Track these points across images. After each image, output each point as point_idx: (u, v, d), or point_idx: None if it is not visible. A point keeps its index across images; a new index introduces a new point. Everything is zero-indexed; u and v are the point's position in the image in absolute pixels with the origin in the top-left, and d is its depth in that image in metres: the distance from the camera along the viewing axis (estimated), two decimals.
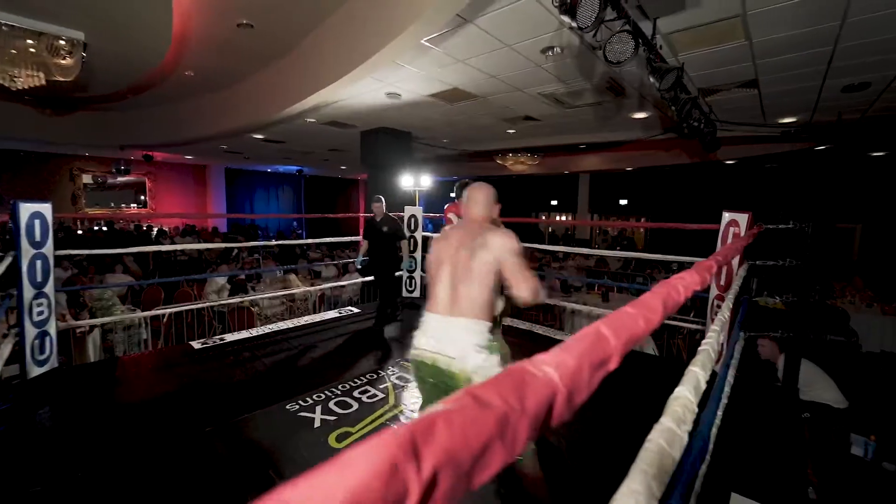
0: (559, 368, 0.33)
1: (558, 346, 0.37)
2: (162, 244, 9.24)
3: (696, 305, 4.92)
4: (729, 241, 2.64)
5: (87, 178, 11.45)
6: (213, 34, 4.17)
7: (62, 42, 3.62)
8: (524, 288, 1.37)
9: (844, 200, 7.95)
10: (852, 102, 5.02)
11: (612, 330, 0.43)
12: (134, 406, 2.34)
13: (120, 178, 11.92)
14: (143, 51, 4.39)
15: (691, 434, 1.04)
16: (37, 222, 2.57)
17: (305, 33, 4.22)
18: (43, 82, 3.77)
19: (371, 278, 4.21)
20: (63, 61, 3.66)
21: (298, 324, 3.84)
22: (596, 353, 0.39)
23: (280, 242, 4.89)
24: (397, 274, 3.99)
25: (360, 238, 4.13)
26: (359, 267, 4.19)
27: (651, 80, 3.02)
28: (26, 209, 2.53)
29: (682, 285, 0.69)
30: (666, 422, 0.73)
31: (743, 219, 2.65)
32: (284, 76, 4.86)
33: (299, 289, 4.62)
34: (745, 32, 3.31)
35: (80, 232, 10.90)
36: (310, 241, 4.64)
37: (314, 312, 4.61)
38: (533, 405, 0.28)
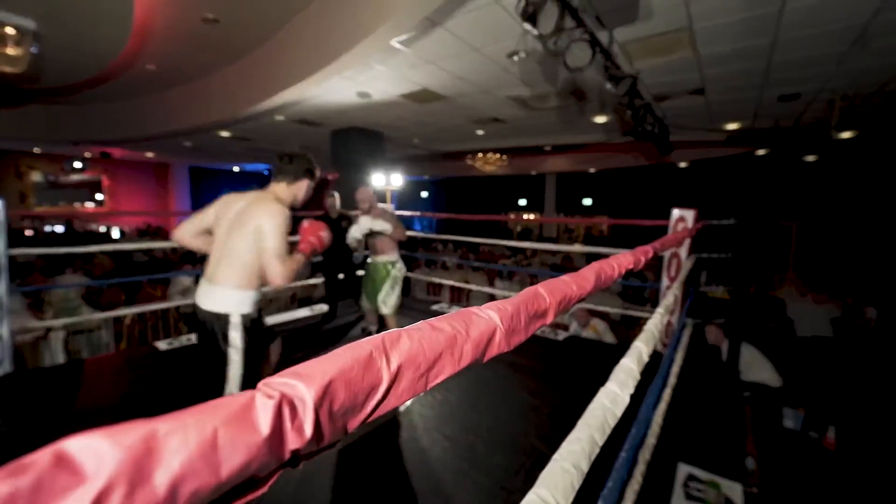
0: (499, 312, 0.42)
1: (504, 299, 0.46)
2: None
3: (652, 297, 5.24)
4: None
5: (36, 176, 10.65)
6: (176, 27, 4.05)
7: (9, 30, 3.40)
8: None
9: (782, 200, 8.69)
10: (787, 111, 5.53)
11: (548, 290, 0.53)
12: (97, 410, 2.25)
13: (74, 176, 11.15)
14: (101, 42, 4.19)
15: (638, 402, 1.18)
16: None
17: (273, 30, 4.18)
18: None
19: (322, 280, 3.94)
20: (10, 51, 3.44)
21: (269, 322, 3.79)
22: (532, 306, 0.48)
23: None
24: (358, 273, 3.90)
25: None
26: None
27: (608, 86, 3.24)
28: None
29: (616, 263, 0.80)
30: (610, 385, 0.85)
31: (690, 215, 2.89)
32: (252, 73, 4.77)
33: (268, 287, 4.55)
34: (691, 44, 3.60)
35: (28, 233, 10.09)
36: None
37: (286, 311, 4.55)
38: (476, 334, 0.37)
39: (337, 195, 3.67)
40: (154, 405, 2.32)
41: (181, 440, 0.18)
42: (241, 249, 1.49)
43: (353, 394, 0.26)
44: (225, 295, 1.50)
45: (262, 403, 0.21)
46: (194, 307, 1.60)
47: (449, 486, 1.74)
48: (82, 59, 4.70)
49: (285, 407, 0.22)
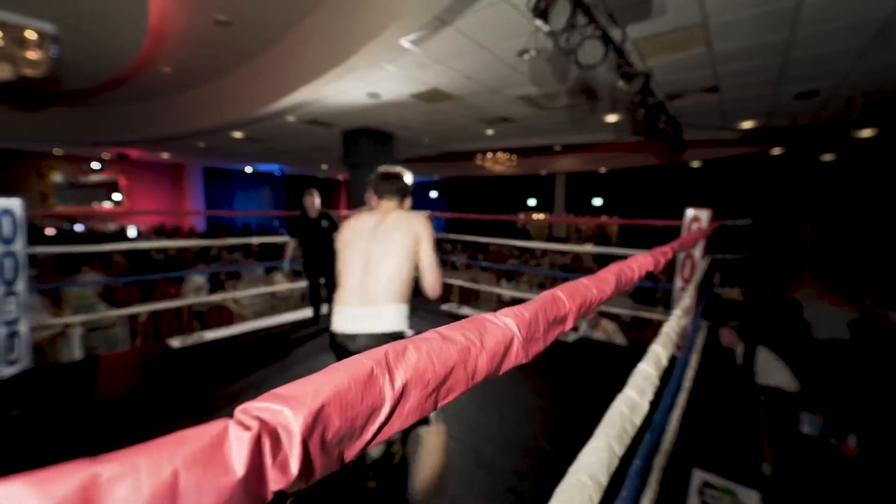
0: (517, 319, 0.38)
1: (520, 304, 0.42)
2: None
3: (663, 298, 5.14)
4: None
5: (56, 177, 10.89)
6: (190, 30, 4.08)
7: (30, 34, 3.45)
8: None
9: (799, 200, 8.48)
10: (804, 109, 5.37)
11: (567, 294, 0.49)
12: (111, 405, 2.27)
13: (93, 177, 11.40)
14: (118, 45, 4.26)
15: (653, 407, 1.12)
16: (5, 219, 2.47)
17: (284, 32, 4.19)
18: (10, 76, 3.56)
19: (305, 283, 3.82)
20: (31, 55, 3.48)
21: (282, 321, 3.80)
22: (551, 311, 0.44)
23: (261, 240, 4.79)
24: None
25: (286, 238, 3.70)
26: (286, 271, 3.82)
27: (620, 83, 3.17)
28: None
29: (635, 265, 0.75)
30: (628, 392, 0.80)
31: (704, 215, 2.81)
32: (263, 74, 4.79)
33: (281, 286, 4.57)
34: (706, 40, 3.51)
35: (47, 232, 10.30)
36: (287, 238, 4.57)
37: (298, 309, 4.56)
38: (491, 345, 0.33)
39: (316, 192, 3.54)
40: (166, 401, 2.33)
41: (131, 487, 0.14)
42: (396, 263, 1.41)
43: (351, 418, 0.22)
44: (392, 313, 1.40)
45: (237, 436, 0.17)
46: (336, 337, 1.45)
47: (455, 488, 1.71)
48: (100, 62, 4.78)
49: (265, 439, 0.18)
